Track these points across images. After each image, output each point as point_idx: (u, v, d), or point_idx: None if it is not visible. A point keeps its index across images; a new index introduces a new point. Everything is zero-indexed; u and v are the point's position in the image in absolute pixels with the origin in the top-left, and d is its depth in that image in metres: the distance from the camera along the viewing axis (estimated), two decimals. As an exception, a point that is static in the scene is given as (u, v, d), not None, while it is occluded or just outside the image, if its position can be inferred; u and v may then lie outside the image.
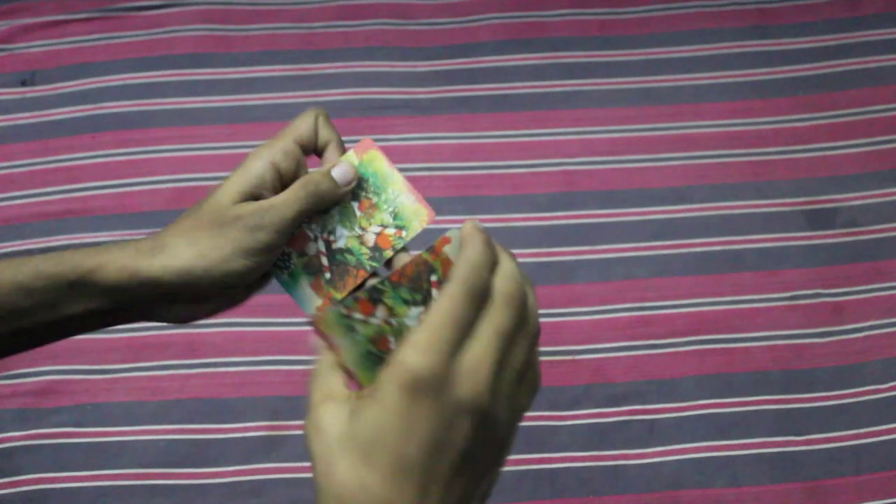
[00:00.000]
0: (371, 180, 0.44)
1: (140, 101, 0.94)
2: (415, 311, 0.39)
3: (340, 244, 0.44)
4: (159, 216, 0.88)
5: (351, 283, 0.44)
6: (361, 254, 0.44)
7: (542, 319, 0.83)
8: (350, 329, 0.39)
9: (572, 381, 0.81)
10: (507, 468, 0.77)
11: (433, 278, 0.39)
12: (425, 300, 0.39)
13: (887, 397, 0.80)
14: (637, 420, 0.80)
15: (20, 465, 0.78)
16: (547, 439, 0.79)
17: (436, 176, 0.90)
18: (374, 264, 0.44)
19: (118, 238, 0.87)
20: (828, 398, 0.80)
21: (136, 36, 0.98)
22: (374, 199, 0.44)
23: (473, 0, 1.00)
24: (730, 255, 0.87)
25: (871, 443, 0.79)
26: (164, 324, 0.42)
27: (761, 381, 0.81)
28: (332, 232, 0.44)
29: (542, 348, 0.82)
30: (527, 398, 0.34)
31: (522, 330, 0.33)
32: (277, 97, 0.95)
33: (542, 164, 0.91)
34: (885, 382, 0.81)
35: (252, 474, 0.78)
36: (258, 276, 0.40)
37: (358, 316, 0.39)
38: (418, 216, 0.44)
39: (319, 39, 0.98)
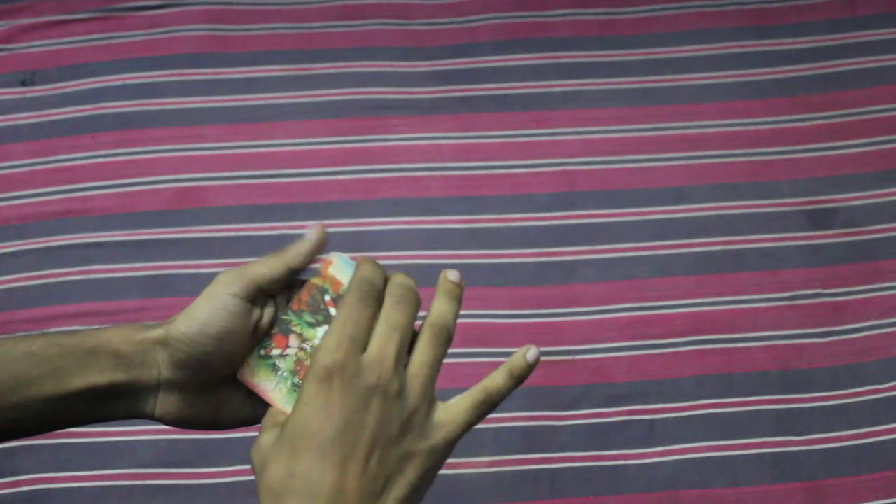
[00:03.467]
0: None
1: (140, 101, 0.94)
2: (321, 331, 0.44)
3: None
4: (159, 216, 0.88)
5: None
6: None
7: (542, 319, 0.83)
8: (273, 368, 0.43)
9: (572, 381, 0.81)
10: (506, 468, 0.77)
11: (327, 298, 0.44)
12: (326, 319, 0.44)
13: (887, 397, 0.81)
14: (637, 420, 0.80)
15: (20, 465, 0.78)
16: (547, 439, 0.79)
17: (436, 176, 0.90)
18: None
19: (118, 238, 0.87)
20: (828, 398, 0.80)
21: (136, 36, 0.98)
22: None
23: (473, 0, 1.00)
24: (730, 255, 0.87)
25: (871, 443, 0.79)
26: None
27: (761, 381, 0.81)
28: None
29: (543, 348, 0.82)
30: (429, 399, 0.39)
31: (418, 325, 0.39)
32: (277, 97, 0.95)
33: (542, 164, 0.91)
34: (885, 382, 0.81)
35: (252, 474, 0.78)
36: (234, 342, 0.41)
37: (276, 352, 0.44)
38: None
39: (319, 39, 0.98)
